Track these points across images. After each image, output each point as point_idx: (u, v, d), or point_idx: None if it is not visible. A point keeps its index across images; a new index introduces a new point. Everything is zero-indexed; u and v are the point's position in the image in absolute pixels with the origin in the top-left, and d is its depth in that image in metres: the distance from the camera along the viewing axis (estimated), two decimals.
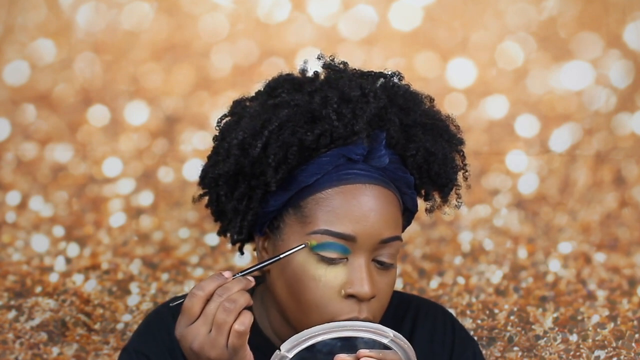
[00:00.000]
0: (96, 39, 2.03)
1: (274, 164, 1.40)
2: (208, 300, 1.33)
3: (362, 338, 1.34)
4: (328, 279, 1.40)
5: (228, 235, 1.53)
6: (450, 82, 2.05)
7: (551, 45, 2.06)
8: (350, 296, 1.40)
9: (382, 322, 1.53)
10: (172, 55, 2.04)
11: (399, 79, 1.50)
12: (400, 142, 1.44)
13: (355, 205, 1.40)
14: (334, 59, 1.50)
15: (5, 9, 2.02)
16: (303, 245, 1.39)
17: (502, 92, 2.06)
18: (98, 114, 2.05)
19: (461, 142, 1.51)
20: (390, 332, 1.34)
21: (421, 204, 1.53)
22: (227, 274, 1.35)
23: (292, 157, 1.40)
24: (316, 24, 2.04)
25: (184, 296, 1.46)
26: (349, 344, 1.34)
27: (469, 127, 2.04)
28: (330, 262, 1.40)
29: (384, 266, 1.43)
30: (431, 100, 1.52)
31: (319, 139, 1.41)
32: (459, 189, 1.52)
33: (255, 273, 1.42)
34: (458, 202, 1.53)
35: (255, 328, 1.50)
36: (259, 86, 1.52)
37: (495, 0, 2.06)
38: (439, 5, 2.04)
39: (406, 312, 1.58)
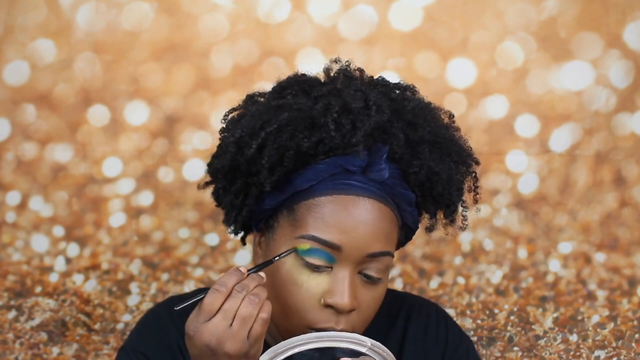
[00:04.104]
0: (96, 39, 2.03)
1: (267, 166, 1.40)
2: (227, 296, 1.33)
3: (340, 348, 1.34)
4: (310, 285, 1.40)
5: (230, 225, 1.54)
6: (450, 82, 2.05)
7: (551, 45, 2.06)
8: (329, 306, 1.40)
9: (376, 320, 1.53)
10: (172, 55, 2.04)
11: (413, 93, 1.48)
12: (404, 157, 1.43)
13: (345, 216, 1.40)
14: (350, 64, 1.49)
15: (5, 9, 2.02)
16: (294, 250, 1.40)
17: (502, 92, 2.06)
18: (98, 114, 2.05)
19: (471, 164, 1.50)
20: (369, 341, 1.34)
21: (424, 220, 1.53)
22: (243, 269, 1.35)
23: (288, 161, 1.40)
24: (316, 24, 2.04)
25: (183, 297, 1.45)
26: (327, 354, 1.34)
27: (469, 127, 2.04)
28: (314, 269, 1.40)
29: (371, 280, 1.42)
30: (450, 116, 1.50)
31: (317, 146, 1.40)
32: (466, 211, 1.52)
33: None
34: (463, 224, 1.52)
35: None
36: (259, 86, 1.52)
37: (495, 0, 2.06)
38: (439, 5, 2.04)
39: (399, 309, 1.58)
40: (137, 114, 2.05)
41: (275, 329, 1.47)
